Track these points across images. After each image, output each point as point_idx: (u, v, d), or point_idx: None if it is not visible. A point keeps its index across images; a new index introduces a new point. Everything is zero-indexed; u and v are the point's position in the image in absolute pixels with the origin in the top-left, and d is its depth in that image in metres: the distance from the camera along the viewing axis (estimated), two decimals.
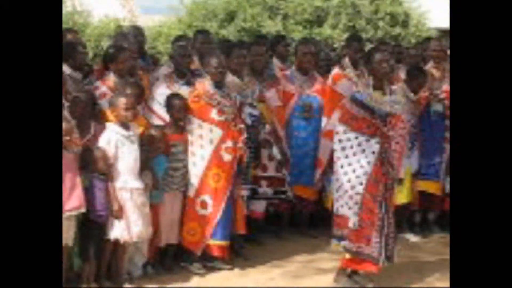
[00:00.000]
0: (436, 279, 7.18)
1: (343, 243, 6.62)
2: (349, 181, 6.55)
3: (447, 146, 8.51)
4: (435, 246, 8.32)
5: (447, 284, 6.98)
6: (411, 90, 8.30)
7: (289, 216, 8.66)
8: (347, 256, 6.66)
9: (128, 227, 6.41)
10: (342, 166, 6.60)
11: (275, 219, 8.68)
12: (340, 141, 6.61)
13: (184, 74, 7.59)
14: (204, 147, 7.09)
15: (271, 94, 8.17)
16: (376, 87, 6.67)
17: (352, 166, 6.56)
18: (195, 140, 7.09)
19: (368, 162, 6.53)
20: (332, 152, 7.13)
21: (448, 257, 7.79)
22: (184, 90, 7.34)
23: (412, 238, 8.55)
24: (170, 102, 7.08)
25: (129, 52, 7.35)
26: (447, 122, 8.56)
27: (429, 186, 8.59)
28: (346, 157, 6.57)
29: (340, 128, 6.65)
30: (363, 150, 6.53)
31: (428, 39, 10.23)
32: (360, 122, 6.57)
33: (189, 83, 7.49)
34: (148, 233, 6.67)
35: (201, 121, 7.10)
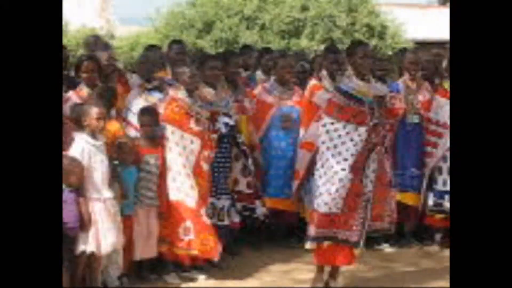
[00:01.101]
0: None
1: (317, 231, 6.65)
2: (338, 167, 6.57)
3: (428, 160, 8.54)
4: (411, 257, 8.33)
5: None
6: None
7: (265, 227, 8.64)
8: (325, 244, 6.68)
9: (101, 239, 6.33)
10: (332, 156, 6.61)
11: (251, 230, 8.67)
12: (327, 132, 6.64)
13: (150, 81, 7.55)
14: (187, 157, 7.08)
15: (249, 104, 8.20)
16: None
17: (342, 156, 6.58)
18: (178, 151, 7.07)
19: (356, 150, 6.56)
20: (309, 163, 7.15)
21: (424, 267, 7.89)
22: (154, 97, 7.34)
23: (388, 249, 8.55)
24: (141, 116, 7.06)
25: (93, 61, 7.29)
26: (427, 135, 8.60)
27: (407, 198, 8.59)
28: (335, 147, 6.60)
29: (328, 120, 6.69)
30: (352, 139, 6.57)
31: (404, 49, 10.27)
32: (347, 111, 6.61)
33: (159, 89, 7.48)
34: (120, 243, 6.61)
35: (183, 132, 7.09)
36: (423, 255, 8.45)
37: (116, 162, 6.71)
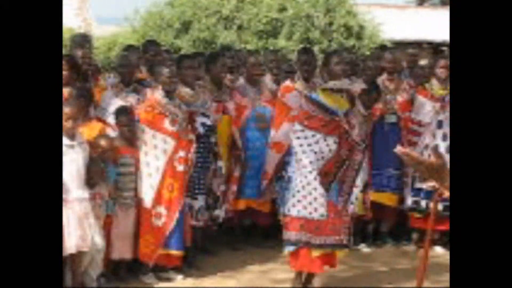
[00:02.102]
0: None
1: (301, 238, 6.66)
2: (311, 176, 6.60)
3: None
4: (388, 257, 8.37)
5: None
6: (363, 105, 8.27)
7: (242, 227, 8.66)
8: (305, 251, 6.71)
9: (65, 240, 6.21)
10: (299, 162, 6.65)
11: (228, 230, 8.68)
12: (298, 138, 6.67)
13: (129, 83, 7.54)
14: (158, 157, 7.07)
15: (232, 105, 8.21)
16: (334, 90, 6.74)
17: (313, 164, 6.60)
18: (149, 151, 7.07)
19: (324, 159, 6.58)
20: (278, 164, 7.21)
21: (401, 267, 7.93)
22: (132, 98, 7.34)
23: (365, 248, 8.59)
24: (118, 116, 7.04)
25: (67, 60, 7.18)
26: (408, 135, 8.64)
27: (384, 198, 8.63)
28: (306, 154, 6.61)
29: (298, 127, 6.71)
30: (320, 148, 6.59)
31: (383, 47, 10.32)
32: (315, 120, 6.64)
33: (136, 91, 7.46)
34: (100, 244, 6.57)
35: (154, 131, 7.08)
36: (400, 254, 8.50)
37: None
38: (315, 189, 6.59)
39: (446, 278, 7.48)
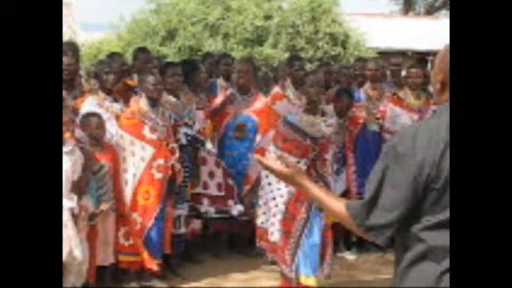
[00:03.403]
0: None
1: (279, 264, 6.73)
2: (274, 199, 6.73)
3: None
4: (372, 265, 8.38)
5: None
6: (337, 112, 8.27)
7: (227, 235, 8.65)
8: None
9: None
10: (269, 184, 6.76)
11: (213, 238, 8.67)
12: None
13: (110, 91, 7.48)
14: (136, 164, 7.04)
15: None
16: (309, 109, 6.80)
17: (280, 189, 6.68)
18: (127, 157, 7.04)
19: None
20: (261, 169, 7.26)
21: (384, 275, 7.93)
22: (116, 107, 7.30)
23: (349, 256, 8.59)
24: (85, 120, 6.94)
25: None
26: (382, 144, 8.65)
27: None
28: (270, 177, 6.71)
29: (272, 147, 6.78)
30: None
31: (362, 59, 10.35)
32: (290, 143, 6.69)
33: (116, 100, 7.43)
34: (84, 254, 6.49)
35: (133, 138, 7.05)
36: (384, 263, 8.49)
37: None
38: (274, 214, 6.73)
39: None
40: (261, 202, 6.91)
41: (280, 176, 3.28)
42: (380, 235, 2.86)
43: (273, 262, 6.96)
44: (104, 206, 6.73)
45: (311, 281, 6.74)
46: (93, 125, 6.88)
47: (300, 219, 6.67)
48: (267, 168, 3.34)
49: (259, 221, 6.95)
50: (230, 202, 8.15)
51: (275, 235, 6.73)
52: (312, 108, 6.80)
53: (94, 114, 6.95)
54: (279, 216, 6.69)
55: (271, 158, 3.29)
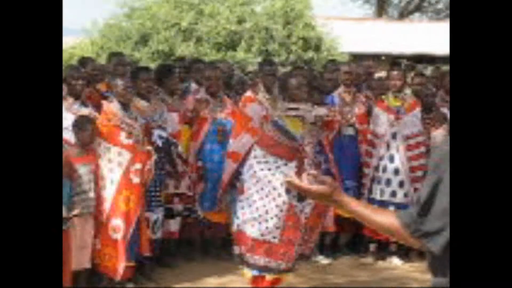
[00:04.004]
0: None
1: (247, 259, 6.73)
2: (274, 199, 6.65)
3: (366, 170, 8.61)
4: (346, 269, 8.39)
5: None
6: None
7: (200, 239, 8.63)
8: (254, 273, 6.74)
9: None
10: (257, 189, 6.69)
11: (186, 242, 8.65)
12: (259, 163, 6.69)
13: (78, 96, 7.45)
14: (113, 170, 7.01)
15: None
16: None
17: (276, 190, 6.64)
18: (104, 164, 7.01)
19: (281, 184, 6.60)
20: (232, 173, 7.26)
21: (359, 278, 7.95)
22: (83, 111, 7.26)
23: (323, 260, 8.58)
24: (82, 125, 6.95)
25: None
26: (365, 146, 8.67)
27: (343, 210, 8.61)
28: (267, 177, 6.66)
29: (259, 152, 6.75)
30: (281, 172, 6.61)
31: (332, 61, 10.39)
32: (279, 147, 6.67)
33: (85, 104, 7.40)
34: None
35: (109, 144, 7.03)
36: (358, 266, 8.51)
37: None
38: (270, 210, 6.64)
39: None
40: (245, 205, 6.84)
41: (316, 195, 3.14)
42: (434, 241, 2.79)
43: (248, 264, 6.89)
44: (76, 211, 6.69)
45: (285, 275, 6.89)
46: (88, 131, 6.88)
47: (301, 228, 6.69)
48: (300, 189, 3.15)
49: (234, 225, 6.90)
50: (197, 203, 8.17)
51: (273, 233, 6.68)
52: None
53: (89, 120, 6.96)
54: (281, 215, 6.64)
55: (304, 178, 3.18)
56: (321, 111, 7.04)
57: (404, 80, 8.88)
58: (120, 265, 7.01)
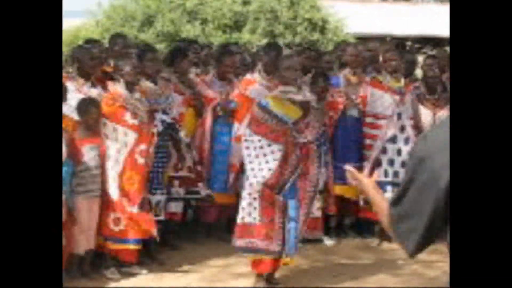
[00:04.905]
0: (351, 282, 7.25)
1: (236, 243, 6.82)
2: (252, 180, 6.66)
3: (367, 153, 8.60)
4: (351, 251, 8.40)
5: (362, 285, 7.12)
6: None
7: (206, 221, 8.65)
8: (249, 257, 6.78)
9: None
10: (248, 168, 6.73)
11: (191, 224, 8.66)
12: (246, 141, 6.72)
13: (89, 76, 7.46)
14: (119, 150, 7.03)
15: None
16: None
17: (254, 170, 6.65)
18: (110, 144, 7.02)
19: (269, 169, 6.60)
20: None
21: (364, 260, 7.97)
22: (93, 92, 7.27)
23: (328, 242, 8.59)
24: (86, 107, 6.96)
25: None
26: (364, 128, 8.66)
27: (346, 191, 8.62)
28: (250, 162, 6.70)
29: (246, 131, 6.78)
30: (264, 155, 6.61)
31: (344, 43, 10.35)
32: (263, 127, 6.67)
33: (93, 85, 7.41)
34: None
35: (115, 124, 7.04)
36: (363, 248, 8.52)
37: None
38: (253, 192, 6.67)
39: (407, 271, 7.57)
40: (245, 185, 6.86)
41: (365, 186, 3.31)
42: (407, 244, 2.79)
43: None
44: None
45: (288, 260, 6.89)
46: (94, 113, 6.89)
47: (279, 207, 6.68)
48: (359, 180, 3.34)
49: (239, 217, 6.88)
50: (200, 184, 8.15)
51: (252, 215, 6.70)
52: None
53: (93, 102, 6.97)
54: (258, 198, 6.64)
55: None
56: (309, 96, 6.98)
57: (408, 61, 8.91)
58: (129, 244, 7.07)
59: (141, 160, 7.08)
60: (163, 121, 7.62)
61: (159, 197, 7.63)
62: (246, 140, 6.76)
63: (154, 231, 7.18)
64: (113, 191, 7.01)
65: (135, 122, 7.07)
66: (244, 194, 6.76)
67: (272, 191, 6.65)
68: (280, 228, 6.71)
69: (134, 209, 7.02)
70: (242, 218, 6.74)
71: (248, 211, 6.70)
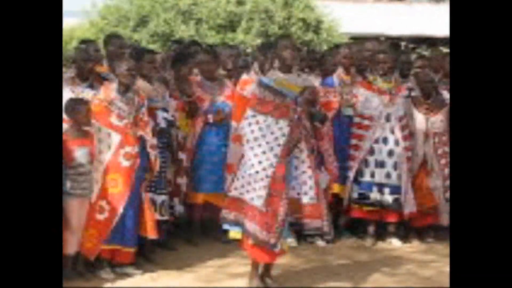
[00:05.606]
0: (347, 281, 7.25)
1: (244, 229, 6.69)
2: (260, 163, 6.55)
3: (355, 153, 8.60)
4: (345, 250, 8.40)
5: (357, 285, 7.12)
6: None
7: (200, 221, 8.64)
8: (250, 242, 6.70)
9: None
10: (252, 149, 6.61)
11: (186, 224, 8.66)
12: (249, 124, 6.64)
13: (87, 77, 7.48)
14: (102, 152, 7.02)
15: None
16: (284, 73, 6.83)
17: (261, 148, 6.57)
18: (95, 144, 7.01)
19: (278, 145, 6.57)
20: (242, 156, 7.23)
21: (358, 259, 7.97)
22: (87, 93, 7.26)
23: (322, 241, 8.56)
24: (75, 106, 6.94)
25: None
26: (351, 128, 8.67)
27: (342, 190, 8.66)
28: (256, 139, 6.58)
29: (250, 112, 6.69)
30: (272, 132, 6.58)
31: (338, 46, 10.36)
32: (268, 105, 6.61)
33: (92, 86, 7.41)
34: None
35: (100, 125, 7.03)
36: (357, 247, 8.53)
37: None
38: (261, 178, 6.56)
39: (402, 271, 7.58)
40: (241, 170, 6.79)
41: None
42: None
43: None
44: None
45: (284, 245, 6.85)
46: (83, 113, 6.88)
47: (284, 198, 6.62)
48: None
49: (233, 191, 6.82)
50: (176, 199, 8.16)
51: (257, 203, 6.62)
52: (287, 72, 6.81)
53: (82, 101, 6.96)
54: (267, 180, 6.58)
55: None
56: (309, 81, 7.00)
57: (402, 62, 8.96)
58: (99, 247, 7.04)
59: (125, 163, 7.04)
60: (165, 119, 7.64)
61: (163, 197, 7.65)
62: (249, 121, 6.63)
63: (154, 232, 7.19)
64: (92, 194, 7.00)
65: (121, 124, 7.04)
66: (243, 173, 6.69)
67: (283, 182, 6.61)
68: (283, 222, 6.65)
69: (102, 218, 7.02)
70: (241, 194, 6.67)
71: (247, 189, 6.65)
